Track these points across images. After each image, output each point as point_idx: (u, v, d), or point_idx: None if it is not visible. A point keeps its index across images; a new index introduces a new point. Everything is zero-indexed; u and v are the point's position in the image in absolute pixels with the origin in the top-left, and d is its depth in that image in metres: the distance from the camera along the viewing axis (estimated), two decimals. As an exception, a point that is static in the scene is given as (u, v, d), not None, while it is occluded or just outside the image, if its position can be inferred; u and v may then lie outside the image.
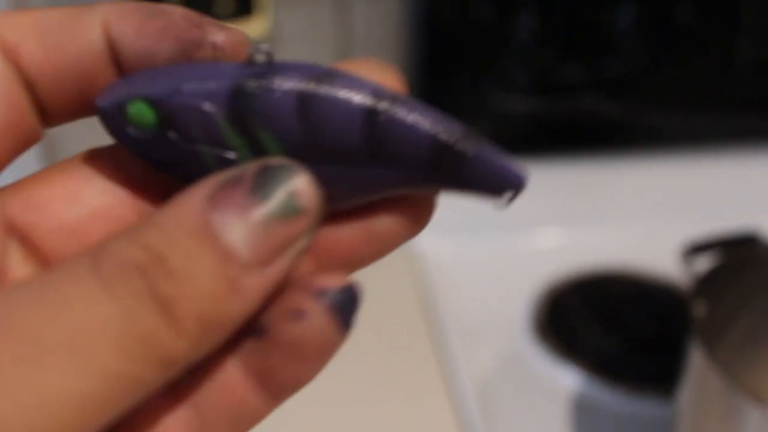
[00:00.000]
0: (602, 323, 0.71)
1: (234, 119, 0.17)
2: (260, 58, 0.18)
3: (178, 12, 0.18)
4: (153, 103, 0.17)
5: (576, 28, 0.79)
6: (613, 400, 0.64)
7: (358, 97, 0.17)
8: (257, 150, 0.18)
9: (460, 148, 0.17)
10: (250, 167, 0.16)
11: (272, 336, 0.17)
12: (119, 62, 0.19)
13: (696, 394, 0.51)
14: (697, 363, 0.50)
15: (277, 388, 0.18)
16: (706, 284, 0.54)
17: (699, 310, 0.52)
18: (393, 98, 0.17)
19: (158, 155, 0.18)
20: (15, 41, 0.18)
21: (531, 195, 0.86)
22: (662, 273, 0.76)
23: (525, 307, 0.74)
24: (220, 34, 0.18)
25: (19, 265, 0.19)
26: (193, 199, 0.16)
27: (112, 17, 0.18)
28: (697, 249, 0.59)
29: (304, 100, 0.17)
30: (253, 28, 0.75)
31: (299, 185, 0.16)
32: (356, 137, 0.17)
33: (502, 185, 0.18)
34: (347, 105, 0.17)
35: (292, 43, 0.79)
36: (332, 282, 0.17)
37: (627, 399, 0.64)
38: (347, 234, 0.19)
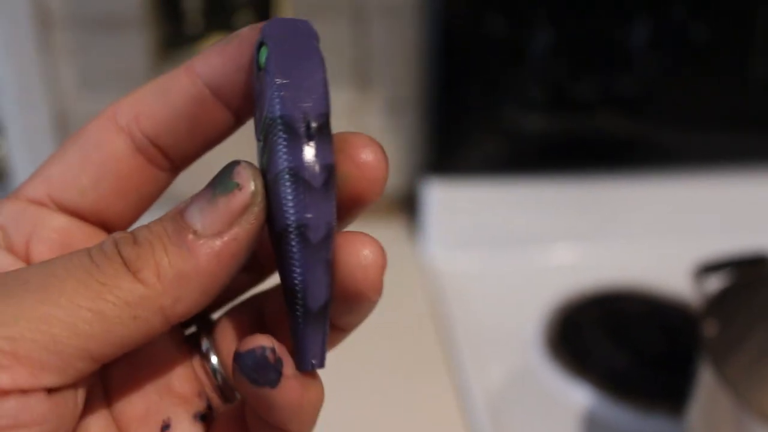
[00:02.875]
0: (614, 340, 0.72)
1: (280, 125, 0.21)
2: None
3: (243, 31, 0.23)
4: (267, 63, 0.21)
5: (590, 46, 0.80)
6: (623, 416, 0.65)
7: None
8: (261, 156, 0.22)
9: (312, 319, 0.21)
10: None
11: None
12: (221, 93, 0.23)
13: (705, 412, 0.52)
14: (706, 382, 0.50)
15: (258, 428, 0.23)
16: (717, 304, 0.55)
17: (709, 329, 0.52)
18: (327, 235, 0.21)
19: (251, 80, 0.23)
20: (134, 115, 0.23)
21: (545, 211, 0.86)
22: (674, 291, 0.76)
23: (537, 322, 0.74)
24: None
25: None
26: (181, 204, 0.21)
27: (196, 62, 0.23)
28: (708, 269, 0.59)
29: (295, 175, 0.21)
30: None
31: (237, 169, 0.21)
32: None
33: (301, 356, 0.22)
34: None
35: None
36: (243, 345, 0.21)
37: (637, 416, 0.64)
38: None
